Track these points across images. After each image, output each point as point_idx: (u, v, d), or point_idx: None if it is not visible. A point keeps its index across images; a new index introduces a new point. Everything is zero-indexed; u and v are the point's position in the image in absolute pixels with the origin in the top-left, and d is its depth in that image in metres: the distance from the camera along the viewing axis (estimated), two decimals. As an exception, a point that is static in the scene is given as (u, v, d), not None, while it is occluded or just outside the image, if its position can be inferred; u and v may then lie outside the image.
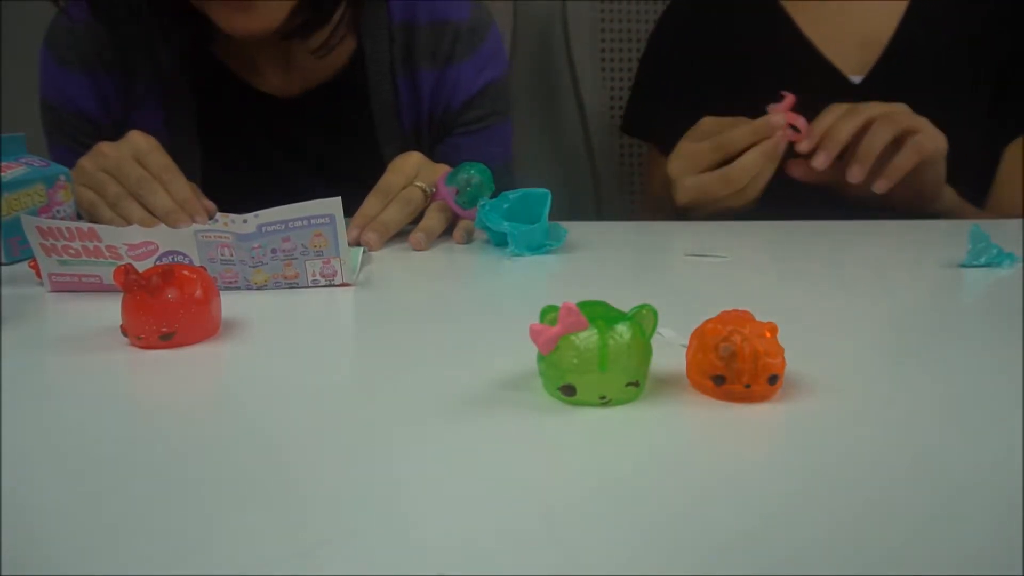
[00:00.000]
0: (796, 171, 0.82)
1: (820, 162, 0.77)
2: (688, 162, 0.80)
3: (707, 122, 0.81)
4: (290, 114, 0.87)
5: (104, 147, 0.70)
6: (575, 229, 0.70)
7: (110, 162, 0.68)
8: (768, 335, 0.34)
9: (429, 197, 0.71)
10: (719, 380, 0.34)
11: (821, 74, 0.93)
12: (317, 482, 0.28)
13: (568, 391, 0.34)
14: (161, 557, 0.24)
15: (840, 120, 0.77)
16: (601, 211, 1.29)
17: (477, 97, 0.90)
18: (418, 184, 0.71)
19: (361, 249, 0.64)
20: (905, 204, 0.81)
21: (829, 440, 0.31)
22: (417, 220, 0.71)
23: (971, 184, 0.91)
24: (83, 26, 0.82)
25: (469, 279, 0.61)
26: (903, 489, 0.28)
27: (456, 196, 0.69)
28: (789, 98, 0.78)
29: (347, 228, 0.54)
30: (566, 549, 0.24)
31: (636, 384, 0.34)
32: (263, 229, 0.51)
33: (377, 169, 0.72)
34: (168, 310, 0.42)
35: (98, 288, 0.53)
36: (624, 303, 0.36)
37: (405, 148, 0.76)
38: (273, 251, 0.52)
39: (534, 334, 0.34)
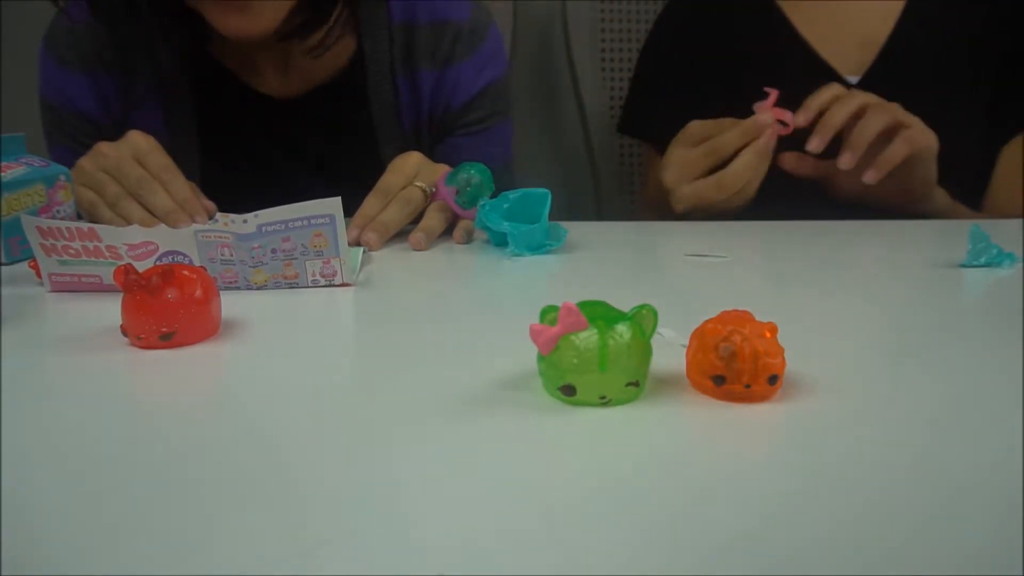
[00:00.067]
0: (787, 163, 0.82)
1: (815, 145, 0.77)
2: (682, 170, 0.80)
3: (694, 126, 0.81)
4: (289, 115, 0.87)
5: (104, 147, 0.70)
6: (575, 229, 0.70)
7: (110, 162, 0.68)
8: (768, 335, 0.34)
9: (429, 197, 0.71)
10: (719, 380, 0.34)
11: (818, 74, 0.93)
12: (317, 482, 0.28)
13: (568, 391, 0.34)
14: (161, 557, 0.24)
15: (835, 104, 0.77)
16: (601, 211, 1.29)
17: (477, 98, 0.90)
18: (418, 184, 0.71)
19: (361, 249, 0.64)
20: (895, 203, 0.81)
21: (829, 440, 0.31)
22: (417, 220, 0.71)
23: (967, 184, 0.91)
24: (83, 26, 0.82)
25: (469, 279, 0.61)
26: (903, 489, 0.28)
27: (456, 196, 0.69)
28: (773, 94, 0.78)
29: (347, 228, 0.54)
30: (566, 549, 0.24)
31: (636, 384, 0.34)
32: (263, 229, 0.51)
33: (377, 170, 0.72)
34: (168, 310, 0.42)
35: (98, 288, 0.53)
36: (624, 303, 0.36)
37: (405, 149, 0.76)
38: (273, 251, 0.52)
39: (534, 334, 0.34)
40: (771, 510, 0.26)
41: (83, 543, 0.25)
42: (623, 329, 0.33)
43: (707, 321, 0.36)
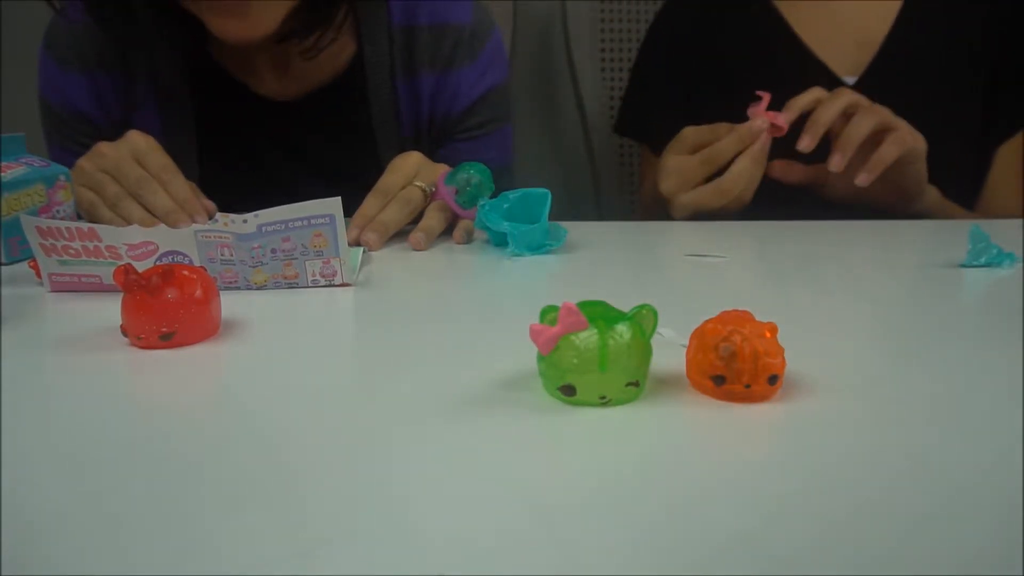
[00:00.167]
0: (776, 172, 0.82)
1: (805, 144, 0.77)
2: (679, 179, 0.81)
3: (689, 132, 0.82)
4: (288, 117, 0.87)
5: (103, 147, 0.69)
6: (575, 229, 0.70)
7: (109, 162, 0.68)
8: (768, 335, 0.34)
9: (429, 197, 0.71)
10: (719, 380, 0.34)
11: (815, 75, 0.94)
12: (317, 482, 0.28)
13: (568, 391, 0.34)
14: (161, 557, 0.24)
15: (823, 103, 0.77)
16: (601, 211, 1.29)
17: (478, 103, 0.89)
18: (418, 184, 0.71)
19: (361, 249, 0.64)
20: (887, 203, 0.82)
21: (829, 440, 0.31)
22: (417, 220, 0.71)
23: (962, 184, 0.91)
24: (82, 27, 0.82)
25: (469, 279, 0.61)
26: (903, 489, 0.28)
27: (456, 196, 0.69)
28: (765, 97, 0.78)
29: (347, 228, 0.54)
30: (566, 549, 0.24)
31: (636, 384, 0.34)
32: (263, 229, 0.51)
33: (376, 173, 0.72)
34: (168, 310, 0.42)
35: (98, 288, 0.53)
36: (624, 303, 0.36)
37: (404, 152, 0.76)
38: (273, 251, 0.52)
39: (534, 334, 0.34)
40: (771, 510, 0.26)
41: (83, 543, 0.25)
42: (623, 329, 0.33)
43: (707, 321, 0.36)
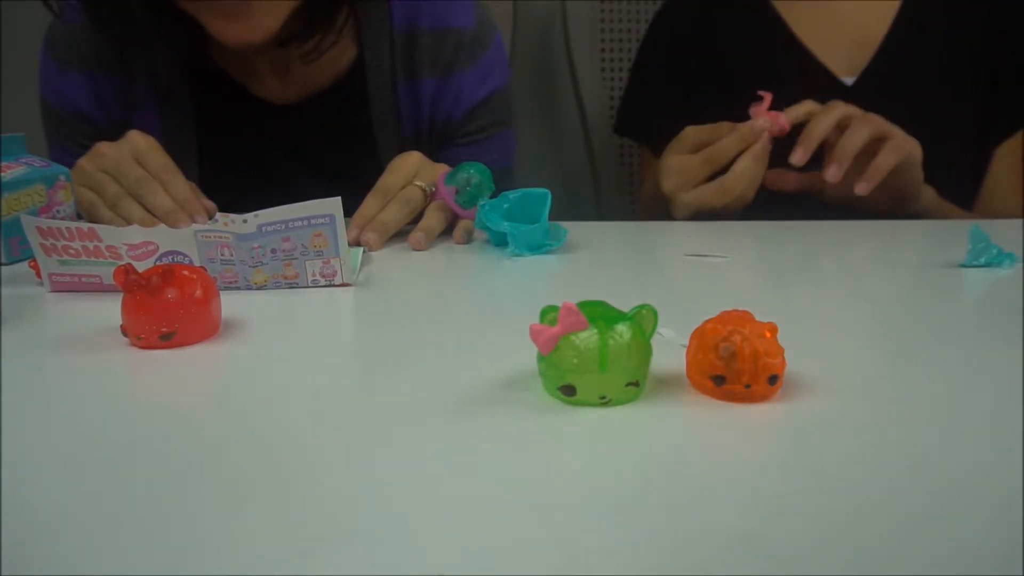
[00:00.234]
0: (771, 182, 0.82)
1: (799, 158, 0.77)
2: (681, 178, 0.81)
3: (690, 132, 0.82)
4: (288, 121, 0.87)
5: (103, 147, 0.69)
6: (575, 229, 0.70)
7: (109, 162, 0.68)
8: (768, 335, 0.34)
9: (429, 197, 0.71)
10: (719, 380, 0.34)
11: (813, 76, 0.94)
12: (317, 482, 0.28)
13: (568, 391, 0.34)
14: (161, 557, 0.24)
15: (816, 117, 0.77)
16: (601, 211, 1.29)
17: (479, 107, 0.89)
18: (417, 183, 0.71)
19: (361, 249, 0.64)
20: (884, 207, 0.82)
21: (829, 440, 0.31)
22: (417, 220, 0.71)
23: (961, 184, 0.91)
24: (81, 27, 0.82)
25: (469, 279, 0.61)
26: (903, 489, 0.28)
27: (456, 196, 0.69)
28: (767, 97, 0.78)
29: (346, 228, 0.54)
30: (566, 549, 0.24)
31: (636, 384, 0.34)
32: (263, 229, 0.51)
33: (376, 176, 0.72)
34: (168, 310, 0.42)
35: (98, 288, 0.53)
36: (624, 303, 0.36)
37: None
38: (273, 251, 0.52)
39: (534, 334, 0.34)
40: (771, 510, 0.26)
41: (83, 543, 0.25)
42: (623, 329, 0.33)
43: (707, 321, 0.36)
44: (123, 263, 0.46)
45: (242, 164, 0.88)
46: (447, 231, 0.71)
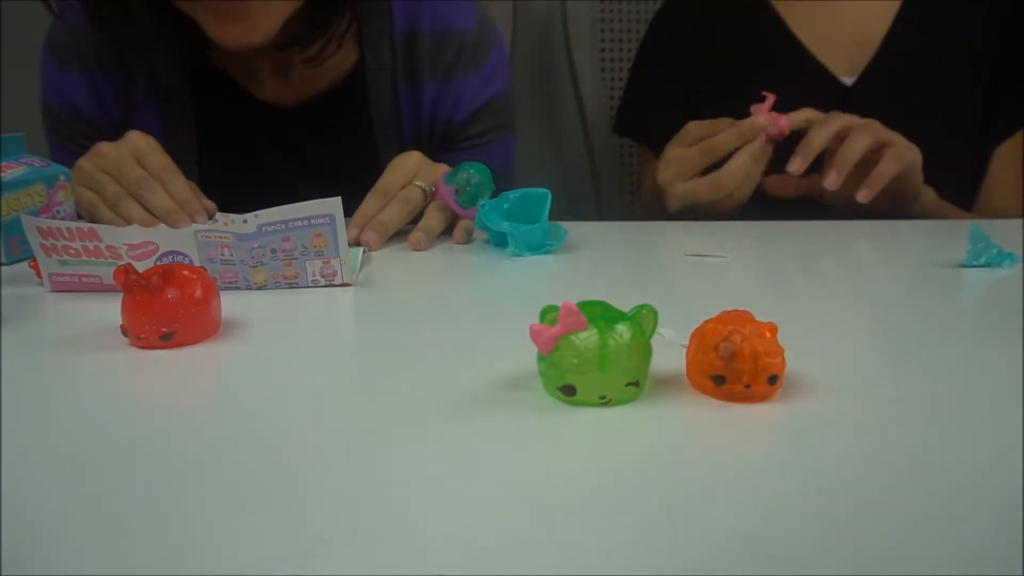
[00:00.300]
0: (771, 188, 0.82)
1: (796, 167, 0.76)
2: (677, 168, 0.81)
3: (693, 126, 0.82)
4: (288, 123, 0.87)
5: (103, 147, 0.69)
6: (575, 229, 0.70)
7: (109, 162, 0.68)
8: (768, 335, 0.34)
9: (428, 196, 0.71)
10: (719, 380, 0.34)
11: (813, 76, 0.94)
12: (317, 482, 0.28)
13: (568, 391, 0.34)
14: (161, 557, 0.24)
15: (816, 127, 0.77)
16: (601, 211, 1.29)
17: (480, 111, 0.88)
18: (417, 183, 0.71)
19: (361, 249, 0.64)
20: (884, 210, 0.82)
21: (829, 440, 0.31)
22: (417, 220, 0.71)
23: (961, 184, 0.91)
24: (82, 28, 0.82)
25: (469, 279, 0.61)
26: (903, 489, 0.28)
27: (456, 196, 0.69)
28: (770, 98, 0.78)
29: (347, 228, 0.54)
30: (566, 549, 0.24)
31: (636, 384, 0.34)
32: (263, 229, 0.51)
33: (376, 178, 0.72)
34: (168, 310, 0.42)
35: (98, 288, 0.53)
36: (624, 303, 0.36)
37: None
38: (273, 251, 0.52)
39: (534, 334, 0.34)
40: (771, 510, 0.26)
41: (83, 543, 0.25)
42: (623, 329, 0.33)
43: (707, 321, 0.36)
44: (123, 263, 0.46)
45: (242, 165, 0.88)
46: (447, 231, 0.71)
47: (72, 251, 0.51)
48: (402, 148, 0.87)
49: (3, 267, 0.61)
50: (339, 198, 0.51)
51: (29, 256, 0.54)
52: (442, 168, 0.73)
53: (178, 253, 0.52)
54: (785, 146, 0.79)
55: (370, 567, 0.23)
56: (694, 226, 0.79)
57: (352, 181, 0.75)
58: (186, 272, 0.43)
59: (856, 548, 0.24)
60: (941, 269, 0.59)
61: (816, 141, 0.76)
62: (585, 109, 1.25)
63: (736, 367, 0.34)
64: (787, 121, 0.78)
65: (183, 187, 0.68)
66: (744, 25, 0.99)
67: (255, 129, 0.87)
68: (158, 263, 0.51)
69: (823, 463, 0.30)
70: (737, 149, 0.78)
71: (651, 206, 1.03)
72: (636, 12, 1.25)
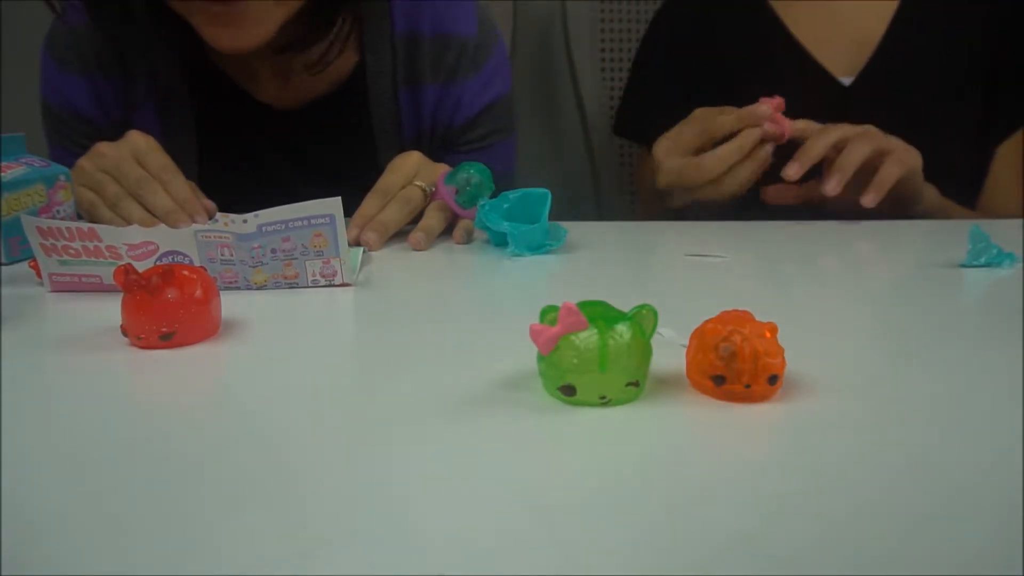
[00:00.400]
0: (771, 197, 0.82)
1: (792, 173, 0.76)
2: (673, 143, 0.80)
3: (700, 112, 0.81)
4: (288, 124, 0.87)
5: (103, 147, 0.69)
6: (575, 229, 0.70)
7: (109, 162, 0.68)
8: (768, 335, 0.34)
9: (428, 196, 0.71)
10: (719, 380, 0.34)
11: (811, 76, 0.93)
12: (317, 482, 0.28)
13: (568, 391, 0.34)
14: (161, 557, 0.24)
15: (814, 136, 0.77)
16: (601, 211, 1.29)
17: (481, 115, 0.88)
18: (417, 183, 0.71)
19: (361, 249, 0.64)
20: (886, 211, 0.82)
21: (829, 440, 0.31)
22: (417, 220, 0.71)
23: (963, 184, 0.91)
24: (83, 29, 0.82)
25: (469, 279, 0.61)
26: (903, 489, 0.28)
27: (456, 196, 0.69)
28: (779, 100, 0.78)
29: (347, 228, 0.54)
30: (566, 549, 0.24)
31: (636, 384, 0.34)
32: (263, 229, 0.51)
33: (376, 179, 0.72)
34: (168, 310, 0.42)
35: (98, 288, 0.53)
36: (624, 303, 0.36)
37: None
38: (273, 251, 0.52)
39: (534, 334, 0.34)
40: (771, 510, 0.26)
41: (83, 543, 0.25)
42: (623, 329, 0.33)
43: (707, 321, 0.36)
44: (123, 263, 0.46)
45: (242, 165, 0.88)
46: (447, 231, 0.71)
47: (72, 251, 0.51)
48: (402, 149, 0.87)
49: (3, 267, 0.61)
50: (339, 198, 0.51)
51: (29, 256, 0.54)
52: (442, 168, 0.72)
53: (178, 253, 0.52)
54: (783, 157, 0.78)
55: (370, 567, 0.23)
56: (694, 226, 0.79)
57: (352, 182, 0.75)
58: (186, 272, 0.43)
59: (856, 548, 0.24)
60: (941, 269, 0.59)
61: (815, 150, 0.76)
62: (585, 109, 1.25)
63: (736, 367, 0.34)
64: (790, 126, 0.78)
65: (183, 187, 0.68)
66: (742, 25, 0.99)
67: (255, 130, 0.87)
68: (158, 263, 0.51)
69: (823, 463, 0.30)
70: (736, 134, 0.78)
71: (650, 206, 1.03)
72: (636, 12, 1.25)
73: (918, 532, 0.25)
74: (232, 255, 0.52)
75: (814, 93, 0.91)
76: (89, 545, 0.25)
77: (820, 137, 0.77)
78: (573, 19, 1.24)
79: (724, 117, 0.78)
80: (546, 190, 0.65)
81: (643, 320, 0.35)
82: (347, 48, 0.82)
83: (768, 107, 0.77)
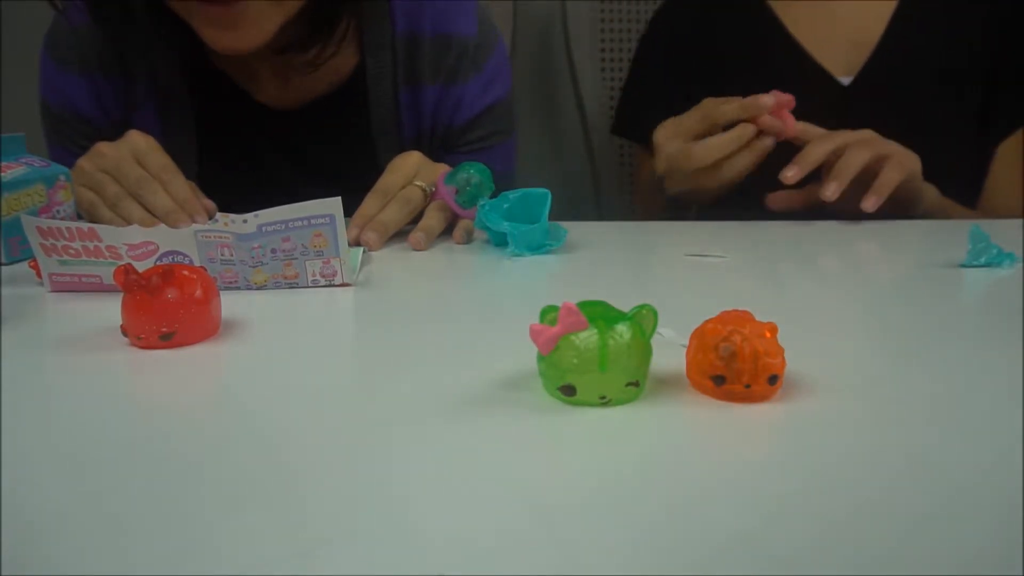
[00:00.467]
0: (776, 204, 0.81)
1: (791, 176, 0.76)
2: (674, 129, 0.80)
3: (707, 101, 0.81)
4: (288, 125, 0.87)
5: (103, 147, 0.69)
6: (575, 229, 0.70)
7: (109, 162, 0.68)
8: (768, 335, 0.34)
9: (429, 196, 0.71)
10: (719, 380, 0.34)
11: (810, 76, 0.93)
12: (317, 482, 0.28)
13: (568, 391, 0.34)
14: (161, 557, 0.24)
15: (814, 142, 0.77)
16: (601, 211, 1.29)
17: (481, 116, 0.88)
18: (417, 183, 0.71)
19: (361, 249, 0.64)
20: (886, 214, 0.82)
21: (829, 440, 0.31)
22: (417, 220, 0.71)
23: (963, 184, 0.91)
24: (83, 29, 0.82)
25: (469, 279, 0.61)
26: (903, 489, 0.28)
27: (456, 196, 0.69)
28: (788, 98, 0.78)
29: (346, 228, 0.54)
30: (566, 549, 0.24)
31: (636, 384, 0.34)
32: (263, 229, 0.51)
33: (376, 180, 0.72)
34: (168, 310, 0.42)
35: (98, 288, 0.53)
36: (624, 303, 0.36)
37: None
38: (273, 251, 0.52)
39: (534, 334, 0.34)
40: (771, 510, 0.26)
41: (83, 543, 0.25)
42: (623, 329, 0.33)
43: (707, 321, 0.36)
44: (123, 263, 0.46)
45: (242, 165, 0.88)
46: (447, 231, 0.71)
47: (72, 251, 0.51)
48: (402, 149, 0.87)
49: (3, 267, 0.61)
50: (339, 198, 0.51)
51: (29, 256, 0.54)
52: (442, 168, 0.72)
53: (178, 253, 0.52)
54: (782, 160, 0.78)
55: (370, 567, 0.23)
56: (694, 226, 0.79)
57: (352, 182, 0.75)
58: (186, 272, 0.43)
59: (856, 548, 0.24)
60: (941, 269, 0.59)
61: (814, 155, 0.76)
62: (585, 109, 1.25)
63: (736, 367, 0.34)
64: (793, 125, 0.78)
65: (183, 187, 0.68)
66: (741, 25, 0.99)
67: (255, 130, 0.87)
68: (158, 263, 0.51)
69: (823, 463, 0.30)
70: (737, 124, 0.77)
71: (649, 204, 1.03)
72: (636, 12, 1.25)
73: (918, 532, 0.25)
74: (232, 255, 0.52)
75: (813, 93, 0.91)
76: (89, 545, 0.25)
77: (820, 143, 0.77)
78: (573, 19, 1.24)
79: (727, 105, 0.78)
80: (546, 190, 0.65)
81: (643, 320, 0.35)
82: (347, 48, 0.82)
83: (771, 97, 0.77)
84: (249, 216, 0.51)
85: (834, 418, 0.33)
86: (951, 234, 0.69)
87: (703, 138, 0.78)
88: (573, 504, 0.27)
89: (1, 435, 0.32)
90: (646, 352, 0.34)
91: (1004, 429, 0.32)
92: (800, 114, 0.79)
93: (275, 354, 0.43)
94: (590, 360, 0.33)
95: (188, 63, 0.83)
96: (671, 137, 0.80)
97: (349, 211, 0.58)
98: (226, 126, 0.86)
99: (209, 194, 0.73)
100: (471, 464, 0.30)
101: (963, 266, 0.59)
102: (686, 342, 0.36)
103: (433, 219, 0.69)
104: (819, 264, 0.65)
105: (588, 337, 0.33)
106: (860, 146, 0.76)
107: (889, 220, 0.78)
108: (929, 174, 0.81)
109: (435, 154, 0.88)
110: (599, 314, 0.34)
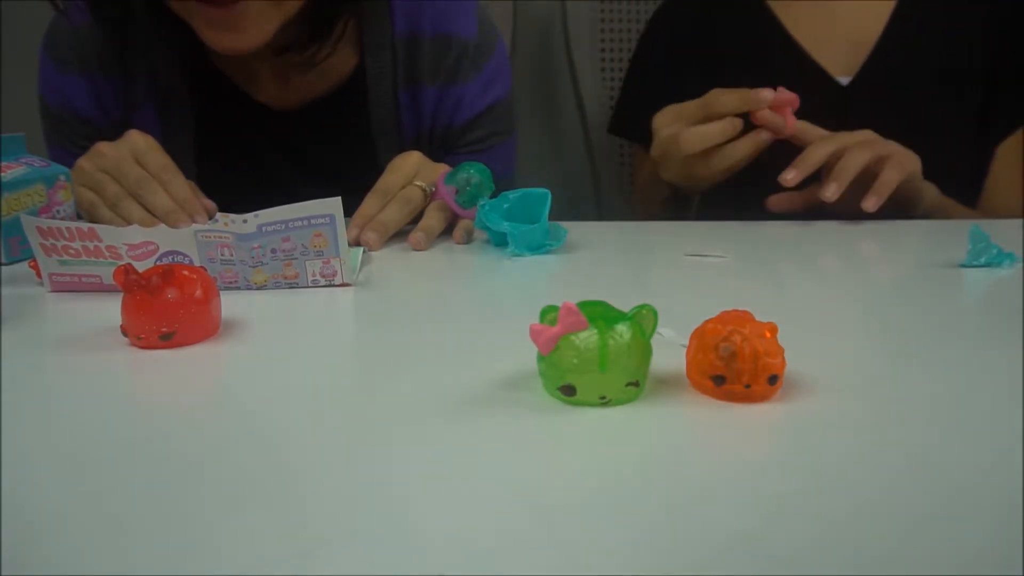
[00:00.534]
0: (776, 206, 0.81)
1: (791, 178, 0.76)
2: (673, 115, 0.80)
3: (716, 92, 0.81)
4: (288, 125, 0.87)
5: (103, 147, 0.69)
6: (575, 229, 0.70)
7: (109, 162, 0.68)
8: (768, 335, 0.34)
9: (428, 196, 0.71)
10: (719, 380, 0.34)
11: (809, 76, 0.93)
12: (317, 482, 0.28)
13: (568, 391, 0.34)
14: (161, 557, 0.24)
15: (815, 144, 0.77)
16: (601, 211, 1.29)
17: (481, 117, 0.88)
18: (417, 183, 0.71)
19: (361, 249, 0.64)
20: (887, 214, 0.81)
21: (829, 440, 0.31)
22: (417, 220, 0.71)
23: (963, 184, 0.91)
24: (82, 29, 0.82)
25: (469, 279, 0.61)
26: (903, 489, 0.28)
27: (456, 196, 0.69)
28: (794, 97, 0.78)
29: (346, 228, 0.54)
30: (566, 549, 0.24)
31: (636, 384, 0.34)
32: (263, 229, 0.51)
33: (376, 180, 0.72)
34: (168, 310, 0.42)
35: (98, 288, 0.53)
36: (624, 303, 0.36)
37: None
38: (273, 251, 0.52)
39: (534, 334, 0.34)
40: (771, 510, 0.26)
41: (83, 543, 0.25)
42: (623, 329, 0.33)
43: (707, 321, 0.36)
44: (123, 263, 0.46)
45: (241, 165, 0.88)
46: (447, 231, 0.71)
47: (72, 251, 0.51)
48: (402, 150, 0.87)
49: (3, 267, 0.61)
50: (339, 198, 0.51)
51: (29, 256, 0.54)
52: (442, 168, 0.72)
53: (178, 253, 0.52)
54: (782, 161, 0.78)
55: (370, 567, 0.23)
56: (694, 226, 0.79)
57: (352, 182, 0.75)
58: (186, 272, 0.43)
59: (856, 548, 0.24)
60: (941, 269, 0.59)
61: (814, 157, 0.76)
62: (585, 109, 1.25)
63: (736, 367, 0.34)
64: (793, 124, 0.78)
65: (183, 187, 0.68)
66: (740, 25, 0.99)
67: (255, 130, 0.87)
68: (158, 263, 0.51)
69: (823, 463, 0.30)
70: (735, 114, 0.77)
71: (648, 202, 1.03)
72: (636, 12, 1.25)
73: (918, 532, 0.25)
74: (232, 255, 0.52)
75: (812, 93, 0.91)
76: (89, 545, 0.25)
77: (820, 145, 0.77)
78: (573, 19, 1.24)
79: (727, 95, 0.78)
80: (546, 190, 0.65)
81: (643, 320, 0.35)
82: (347, 48, 0.82)
83: (771, 92, 0.77)
84: (249, 216, 0.51)
85: (834, 418, 0.33)
86: (951, 234, 0.69)
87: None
88: (573, 504, 0.27)
89: (1, 435, 0.32)
90: (646, 352, 0.34)
91: (1004, 429, 0.32)
92: (799, 114, 0.79)
93: (275, 354, 0.43)
94: (590, 360, 0.33)
95: (188, 63, 0.83)
96: (669, 123, 0.80)
97: (349, 211, 0.58)
98: (226, 126, 0.86)
99: (209, 194, 0.73)
100: (471, 464, 0.30)
101: (963, 266, 0.59)
102: (686, 342, 0.36)
103: (433, 219, 0.69)
104: (819, 264, 0.65)
105: (588, 337, 0.33)
106: (860, 147, 0.76)
107: (889, 220, 0.78)
108: (929, 174, 0.81)
109: (435, 154, 0.88)
110: (599, 314, 0.34)
